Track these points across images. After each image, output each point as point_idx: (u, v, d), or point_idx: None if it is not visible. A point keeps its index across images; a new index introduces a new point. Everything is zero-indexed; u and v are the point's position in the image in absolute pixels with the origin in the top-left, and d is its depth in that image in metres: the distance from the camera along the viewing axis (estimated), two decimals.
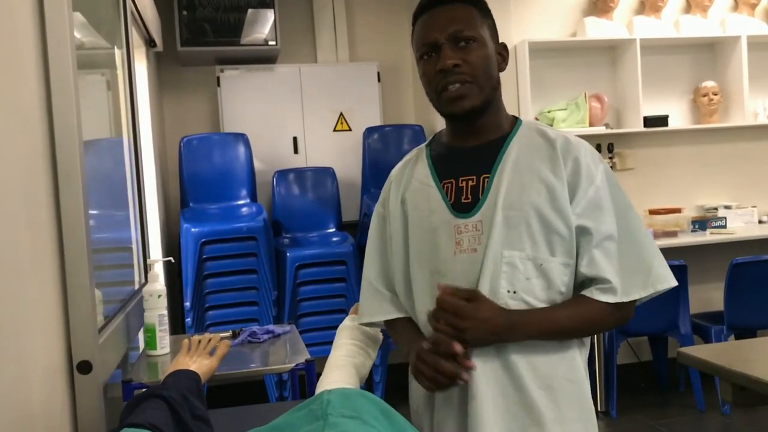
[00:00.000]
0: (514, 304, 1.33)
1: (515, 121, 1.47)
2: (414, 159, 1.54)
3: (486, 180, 1.39)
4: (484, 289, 1.33)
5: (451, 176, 1.43)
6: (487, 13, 1.43)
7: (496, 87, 1.43)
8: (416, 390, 1.46)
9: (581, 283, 1.37)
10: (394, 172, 1.57)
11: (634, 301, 1.37)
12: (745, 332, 3.83)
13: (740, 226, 4.42)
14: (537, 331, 1.33)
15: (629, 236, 1.37)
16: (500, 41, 1.46)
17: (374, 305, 1.53)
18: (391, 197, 1.52)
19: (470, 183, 1.40)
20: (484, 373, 1.33)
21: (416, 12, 1.45)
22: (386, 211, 1.53)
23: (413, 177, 1.49)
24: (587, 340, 1.44)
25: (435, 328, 1.32)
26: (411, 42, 1.47)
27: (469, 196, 1.39)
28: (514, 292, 1.33)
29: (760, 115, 4.55)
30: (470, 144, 1.44)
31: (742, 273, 3.69)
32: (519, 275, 1.33)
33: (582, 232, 1.34)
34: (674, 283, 1.38)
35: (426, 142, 1.56)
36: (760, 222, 4.50)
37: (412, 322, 1.48)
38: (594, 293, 1.34)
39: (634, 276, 1.35)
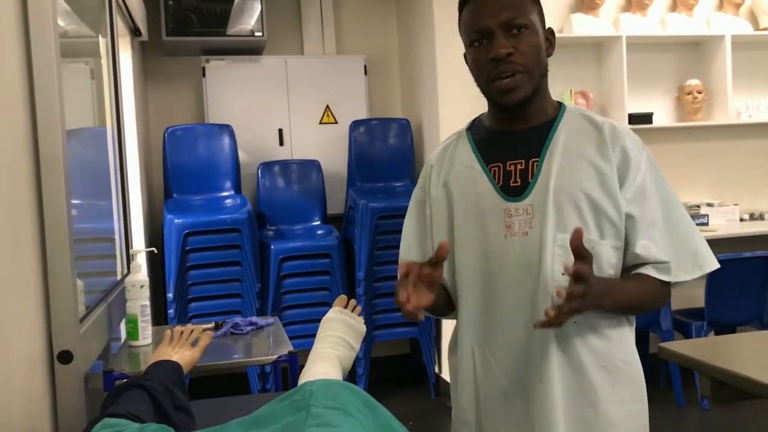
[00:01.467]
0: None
1: (560, 106, 1.47)
2: (454, 143, 1.53)
3: (535, 164, 1.39)
4: (547, 272, 1.34)
5: (498, 160, 1.43)
6: None
7: (545, 74, 1.43)
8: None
9: (628, 267, 1.40)
10: (433, 156, 1.56)
11: (677, 283, 1.40)
12: (725, 328, 3.87)
13: (722, 223, 4.45)
14: (617, 301, 1.35)
15: (675, 221, 1.41)
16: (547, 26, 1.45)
17: None
18: (432, 181, 1.52)
19: (519, 167, 1.41)
20: (548, 358, 1.35)
21: None
22: (426, 195, 1.53)
23: (455, 161, 1.49)
24: (634, 322, 1.46)
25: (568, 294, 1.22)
26: (459, 29, 1.45)
27: (518, 180, 1.40)
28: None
29: (743, 114, 4.58)
30: (516, 128, 1.44)
31: (722, 270, 3.66)
32: (571, 257, 1.32)
33: (631, 218, 1.37)
34: (717, 265, 1.43)
35: (466, 126, 1.55)
36: (741, 220, 4.54)
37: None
38: (650, 271, 1.37)
39: (682, 260, 1.40)
